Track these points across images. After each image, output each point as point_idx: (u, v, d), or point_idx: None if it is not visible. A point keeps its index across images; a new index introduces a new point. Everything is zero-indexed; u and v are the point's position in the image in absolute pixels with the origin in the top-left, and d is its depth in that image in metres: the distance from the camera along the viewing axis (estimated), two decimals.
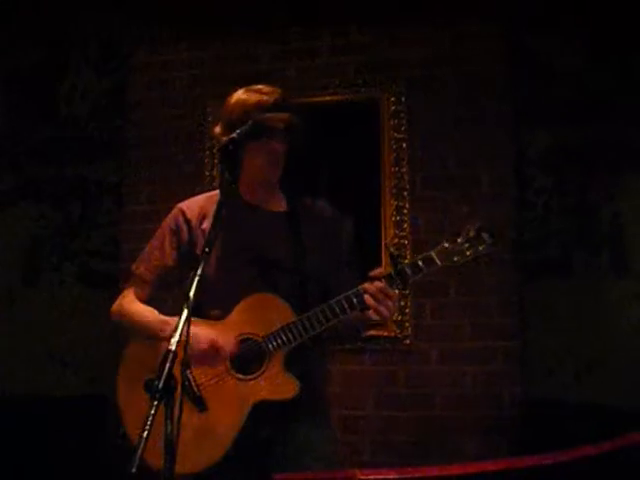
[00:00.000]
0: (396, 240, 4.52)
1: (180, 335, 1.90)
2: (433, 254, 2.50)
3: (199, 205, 2.74)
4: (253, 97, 2.56)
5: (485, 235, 2.52)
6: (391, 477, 1.16)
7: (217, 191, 2.77)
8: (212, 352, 2.49)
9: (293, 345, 2.48)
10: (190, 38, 5.10)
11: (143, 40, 5.16)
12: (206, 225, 2.67)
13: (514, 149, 4.63)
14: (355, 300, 2.45)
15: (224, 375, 2.52)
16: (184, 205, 2.76)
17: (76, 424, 4.58)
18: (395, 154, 4.64)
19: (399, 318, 4.49)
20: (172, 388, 1.82)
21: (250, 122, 2.43)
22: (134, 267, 2.78)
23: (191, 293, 1.99)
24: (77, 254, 5.23)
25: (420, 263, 2.49)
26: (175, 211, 2.76)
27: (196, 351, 2.45)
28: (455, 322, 4.53)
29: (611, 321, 4.38)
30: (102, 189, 5.24)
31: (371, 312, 2.45)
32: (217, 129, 2.65)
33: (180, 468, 2.46)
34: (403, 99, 4.69)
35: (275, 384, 2.48)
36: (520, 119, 4.65)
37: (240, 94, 2.61)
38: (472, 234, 2.52)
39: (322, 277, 2.65)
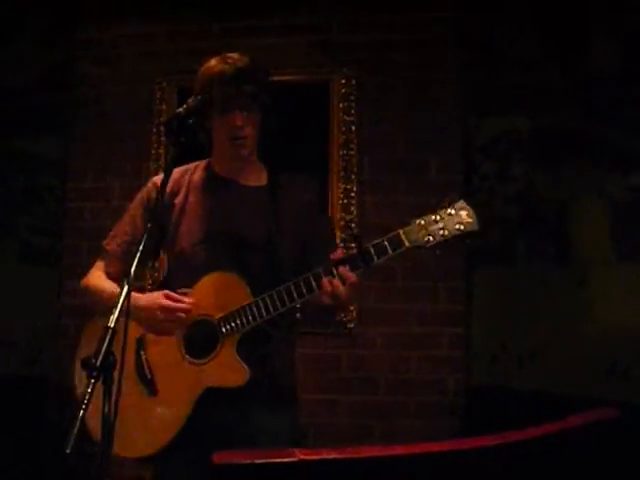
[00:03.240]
0: (343, 223, 4.50)
1: (120, 312, 1.86)
2: (401, 233, 2.26)
3: (173, 178, 2.60)
4: (217, 66, 2.46)
5: (464, 213, 2.25)
6: (331, 457, 1.14)
7: (193, 164, 2.70)
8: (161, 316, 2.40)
9: (247, 329, 2.37)
10: (140, 13, 5.00)
11: (92, 14, 5.05)
12: (179, 199, 2.59)
13: (462, 135, 4.64)
14: (314, 283, 2.29)
15: (177, 358, 2.43)
16: (158, 178, 2.65)
17: (15, 405, 4.50)
18: (344, 137, 4.61)
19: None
20: (110, 366, 1.78)
21: (199, 97, 2.37)
22: (105, 243, 2.68)
23: (132, 269, 1.96)
24: (19, 230, 5.10)
25: (386, 244, 2.25)
26: (149, 184, 2.67)
27: (144, 319, 2.41)
28: (400, 307, 4.53)
29: (554, 308, 4.42)
30: (45, 164, 5.11)
31: (324, 296, 2.28)
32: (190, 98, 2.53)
33: (129, 452, 2.42)
34: (353, 82, 4.66)
35: (225, 370, 2.37)
36: (469, 105, 4.66)
37: (210, 62, 2.51)
38: (450, 210, 2.26)
39: (296, 258, 2.51)
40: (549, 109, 4.55)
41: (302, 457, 1.12)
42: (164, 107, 4.82)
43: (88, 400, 1.66)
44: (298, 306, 2.44)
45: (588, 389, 4.04)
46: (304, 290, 2.31)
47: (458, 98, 4.63)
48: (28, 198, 5.10)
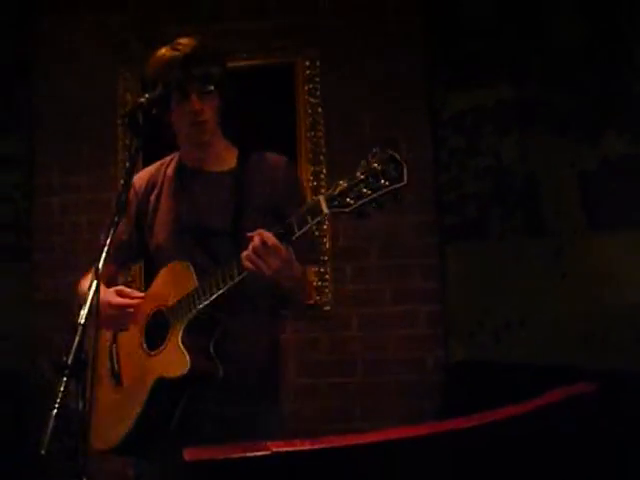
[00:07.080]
0: None
1: (90, 308, 1.83)
2: (321, 199, 2.01)
3: (149, 174, 2.64)
4: (167, 54, 2.40)
5: (391, 166, 1.92)
6: (305, 448, 1.11)
7: (169, 157, 2.66)
8: (121, 316, 2.40)
9: (190, 316, 2.28)
10: (93, 4, 4.94)
11: (47, 10, 4.97)
12: (154, 195, 2.59)
13: (429, 111, 4.62)
14: (236, 263, 2.19)
15: (137, 349, 2.42)
16: (135, 177, 2.59)
17: None
18: (311, 119, 4.60)
19: (319, 284, 4.47)
20: (83, 363, 1.75)
21: (160, 86, 2.33)
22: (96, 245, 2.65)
23: (100, 264, 1.93)
24: None
25: (305, 213, 2.05)
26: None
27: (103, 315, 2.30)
28: (376, 286, 4.53)
29: (529, 280, 4.41)
30: (10, 162, 5.01)
31: (250, 266, 2.13)
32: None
33: (101, 444, 2.42)
34: (318, 63, 4.64)
35: (169, 360, 2.30)
36: (435, 80, 4.64)
37: (160, 51, 2.45)
38: (375, 165, 1.94)
39: None
40: (514, 80, 4.52)
41: (275, 450, 1.10)
42: (129, 97, 4.76)
43: (61, 399, 1.64)
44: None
45: (565, 359, 4.05)
46: (235, 271, 2.19)
47: (424, 73, 4.61)
48: None
